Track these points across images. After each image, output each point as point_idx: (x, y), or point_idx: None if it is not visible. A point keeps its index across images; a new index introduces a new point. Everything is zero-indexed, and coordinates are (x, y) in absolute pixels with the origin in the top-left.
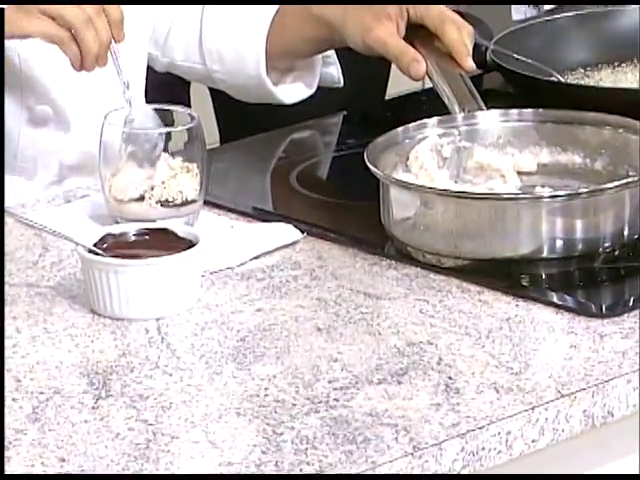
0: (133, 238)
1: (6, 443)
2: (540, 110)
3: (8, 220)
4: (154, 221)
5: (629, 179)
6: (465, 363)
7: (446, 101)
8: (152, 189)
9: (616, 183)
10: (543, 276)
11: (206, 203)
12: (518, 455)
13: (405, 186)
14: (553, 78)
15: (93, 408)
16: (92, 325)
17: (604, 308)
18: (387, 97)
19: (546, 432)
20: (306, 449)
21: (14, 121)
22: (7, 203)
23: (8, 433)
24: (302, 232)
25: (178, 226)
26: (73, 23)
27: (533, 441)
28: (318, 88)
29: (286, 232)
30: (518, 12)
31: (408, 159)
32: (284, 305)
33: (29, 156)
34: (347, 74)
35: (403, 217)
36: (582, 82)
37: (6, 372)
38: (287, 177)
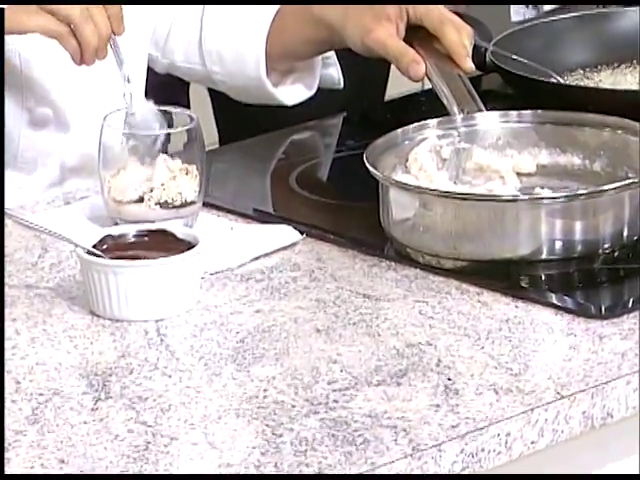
0: (132, 239)
1: (5, 444)
2: (539, 111)
3: (7, 221)
4: (153, 222)
5: (628, 180)
6: (464, 364)
7: (445, 102)
8: (151, 190)
9: (615, 184)
10: (542, 277)
11: (205, 204)
12: (517, 456)
13: (404, 187)
14: (552, 79)
15: (92, 409)
16: (91, 326)
17: (603, 309)
18: (386, 98)
19: (545, 433)
20: (305, 450)
21: (14, 123)
22: (7, 204)
23: (7, 434)
24: (301, 233)
25: (177, 227)
26: (72, 17)
27: (532, 442)
28: (318, 89)
29: (285, 233)
30: (517, 13)
31: (407, 160)
32: (283, 306)
33: (29, 158)
34: (347, 75)
35: (402, 218)
36: (581, 83)
37: (5, 373)
38: (287, 178)
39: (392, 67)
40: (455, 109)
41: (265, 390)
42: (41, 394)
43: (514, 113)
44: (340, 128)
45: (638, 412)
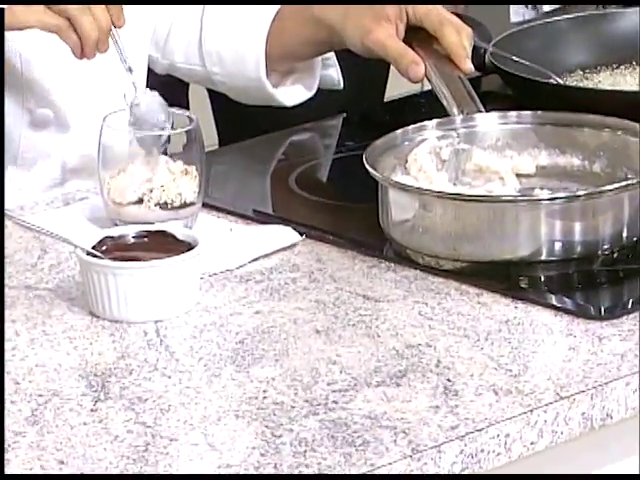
0: (132, 241)
1: (5, 446)
2: (539, 112)
3: (7, 223)
4: (153, 223)
5: (628, 181)
6: (464, 365)
7: (445, 103)
8: (151, 192)
9: (615, 185)
10: (542, 278)
11: (205, 205)
12: (517, 457)
13: (404, 188)
14: (552, 80)
15: (92, 410)
16: (91, 327)
17: (603, 310)
18: (386, 99)
19: (545, 434)
20: (305, 451)
21: (15, 124)
22: (7, 205)
23: (7, 436)
24: (301, 234)
25: (177, 229)
26: (69, 11)
27: (532, 443)
28: (317, 90)
29: (285, 234)
30: (517, 14)
31: (407, 161)
32: (283, 307)
33: (30, 158)
34: (346, 76)
35: (402, 219)
36: (581, 84)
37: (5, 374)
38: (286, 179)
39: (392, 68)
40: (455, 110)
41: (265, 391)
42: (40, 395)
43: (513, 114)
44: (340, 129)
45: (638, 413)
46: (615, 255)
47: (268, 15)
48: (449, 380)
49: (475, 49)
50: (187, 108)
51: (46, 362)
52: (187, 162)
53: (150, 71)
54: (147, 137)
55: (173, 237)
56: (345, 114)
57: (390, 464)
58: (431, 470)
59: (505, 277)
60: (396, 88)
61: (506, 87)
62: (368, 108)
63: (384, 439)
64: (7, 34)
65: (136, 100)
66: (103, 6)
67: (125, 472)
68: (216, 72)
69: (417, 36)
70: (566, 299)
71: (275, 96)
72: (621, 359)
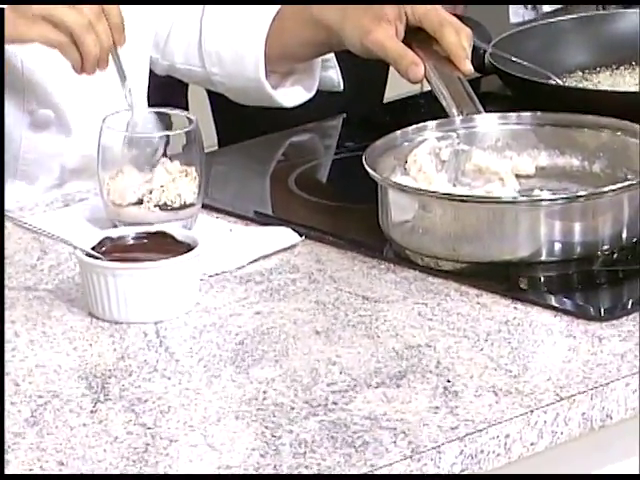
0: (131, 242)
1: (5, 447)
2: (538, 113)
3: (7, 224)
4: (152, 225)
5: (628, 182)
6: (464, 366)
7: (444, 104)
8: (150, 193)
9: (614, 186)
10: (542, 279)
11: (204, 206)
12: (517, 458)
13: (403, 189)
14: (551, 81)
15: (92, 412)
16: (90, 329)
17: (603, 311)
18: (385, 100)
19: (545, 435)
20: (305, 452)
21: (16, 125)
22: (6, 206)
23: (7, 437)
24: (301, 235)
25: (176, 230)
26: (73, 28)
27: (532, 444)
28: (317, 91)
29: (284, 235)
30: (516, 15)
31: (406, 162)
32: (282, 308)
33: (30, 159)
34: (346, 77)
35: (401, 220)
36: (580, 85)
37: (5, 376)
38: (286, 180)
39: (391, 69)
40: (454, 111)
41: (264, 392)
42: (40, 396)
43: (513, 115)
44: (339, 130)
45: (637, 414)
46: (615, 256)
47: (267, 16)
48: (449, 381)
49: (474, 50)
50: (186, 109)
51: (46, 363)
52: (187, 163)
53: (150, 72)
54: (140, 156)
55: (173, 238)
56: (345, 115)
57: (390, 465)
58: (431, 471)
59: (505, 278)
60: (396, 89)
61: (505, 88)
62: (368, 109)
63: (384, 440)
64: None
65: (132, 120)
66: (106, 23)
67: (125, 473)
68: (215, 73)
69: (416, 37)
70: (566, 300)
71: (274, 97)
72: (621, 360)
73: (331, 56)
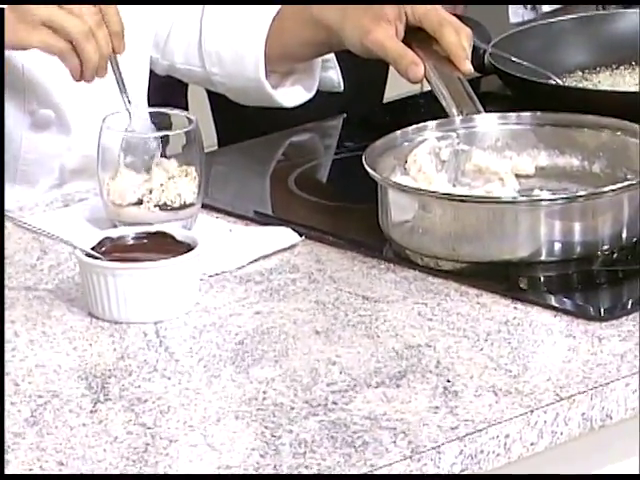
0: (131, 242)
1: (5, 447)
2: (538, 113)
3: (7, 224)
4: (152, 225)
5: (627, 182)
6: (463, 366)
7: (444, 104)
8: (150, 193)
9: (614, 186)
10: (541, 279)
11: (204, 206)
12: (517, 458)
13: (403, 189)
14: (551, 81)
15: (91, 412)
16: (90, 328)
17: (602, 311)
18: (385, 100)
19: (545, 435)
20: (304, 452)
21: (16, 125)
22: (6, 207)
23: (7, 437)
24: (300, 235)
25: (176, 229)
26: (73, 35)
27: (532, 444)
28: (317, 91)
29: (284, 235)
30: (515, 14)
31: (406, 162)
32: (282, 308)
33: (31, 160)
34: (345, 77)
35: (401, 220)
36: (580, 85)
37: (5, 376)
38: (286, 180)
39: (391, 69)
40: (454, 111)
41: (264, 392)
42: (40, 396)
43: (513, 115)
44: (339, 130)
45: (637, 414)
46: (615, 256)
47: (267, 16)
48: (449, 381)
49: (474, 50)
50: (186, 109)
51: (46, 363)
52: (186, 163)
53: (150, 72)
54: (137, 160)
55: (172, 238)
56: (345, 115)
57: (390, 465)
58: (431, 471)
59: (505, 278)
60: (395, 89)
61: (505, 88)
62: (368, 109)
63: (384, 440)
64: None
65: (130, 127)
66: (106, 31)
67: (125, 473)
68: (215, 73)
69: (416, 37)
70: (566, 300)
71: (274, 97)
72: (621, 360)
73: (331, 56)
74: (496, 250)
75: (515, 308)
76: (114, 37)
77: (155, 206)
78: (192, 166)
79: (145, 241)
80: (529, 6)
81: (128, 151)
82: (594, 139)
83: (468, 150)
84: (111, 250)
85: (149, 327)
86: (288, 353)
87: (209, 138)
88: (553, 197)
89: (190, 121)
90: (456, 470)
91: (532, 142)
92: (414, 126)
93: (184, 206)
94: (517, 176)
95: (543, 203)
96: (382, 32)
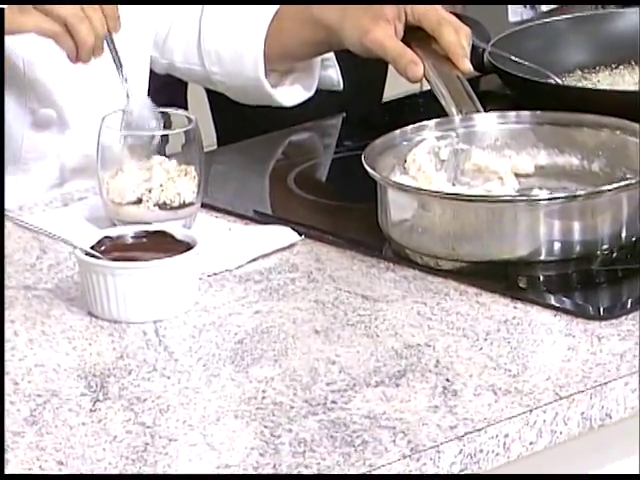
0: (131, 241)
1: (4, 446)
2: (537, 112)
3: (6, 223)
4: (151, 224)
5: (627, 181)
6: (463, 365)
7: (443, 103)
8: (150, 192)
9: (614, 185)
10: (541, 278)
11: (204, 205)
12: (516, 457)
13: (403, 188)
14: (550, 80)
15: (91, 411)
16: (90, 328)
17: (602, 310)
18: (385, 99)
19: (544, 434)
20: (304, 452)
21: (17, 124)
22: (6, 206)
23: (6, 436)
24: (300, 234)
25: (176, 229)
26: (66, 16)
27: (531, 443)
28: (316, 90)
29: (284, 234)
30: (515, 14)
31: (406, 161)
32: (282, 307)
33: (31, 159)
34: (345, 76)
35: (401, 219)
36: (580, 84)
37: (4, 375)
38: (285, 179)
39: (390, 68)
40: (453, 110)
41: (264, 391)
42: (39, 395)
43: (512, 114)
44: (339, 129)
45: (637, 413)
46: (614, 255)
47: (267, 15)
48: (448, 380)
49: (474, 49)
50: (186, 108)
51: (45, 362)
52: (186, 162)
53: (150, 72)
54: (139, 142)
55: (172, 237)
56: (344, 114)
57: (389, 464)
58: (430, 470)
59: (504, 277)
60: (395, 88)
61: (505, 87)
62: (367, 108)
63: (383, 439)
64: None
65: (128, 107)
66: (100, 12)
67: (124, 472)
68: (215, 72)
69: (416, 36)
70: (565, 299)
71: (274, 96)
72: (620, 359)
73: (331, 55)
74: (495, 249)
75: (514, 307)
76: (108, 17)
77: (155, 205)
78: (191, 165)
79: (144, 240)
80: (528, 5)
81: (128, 150)
82: (593, 138)
83: (467, 149)
84: (110, 249)
85: (148, 326)
86: (287, 352)
87: (208, 137)
88: (552, 196)
89: (190, 120)
90: (455, 470)
91: (531, 141)
92: (413, 125)
93: (183, 205)
94: (516, 175)
95: (542, 202)
96: (381, 31)
